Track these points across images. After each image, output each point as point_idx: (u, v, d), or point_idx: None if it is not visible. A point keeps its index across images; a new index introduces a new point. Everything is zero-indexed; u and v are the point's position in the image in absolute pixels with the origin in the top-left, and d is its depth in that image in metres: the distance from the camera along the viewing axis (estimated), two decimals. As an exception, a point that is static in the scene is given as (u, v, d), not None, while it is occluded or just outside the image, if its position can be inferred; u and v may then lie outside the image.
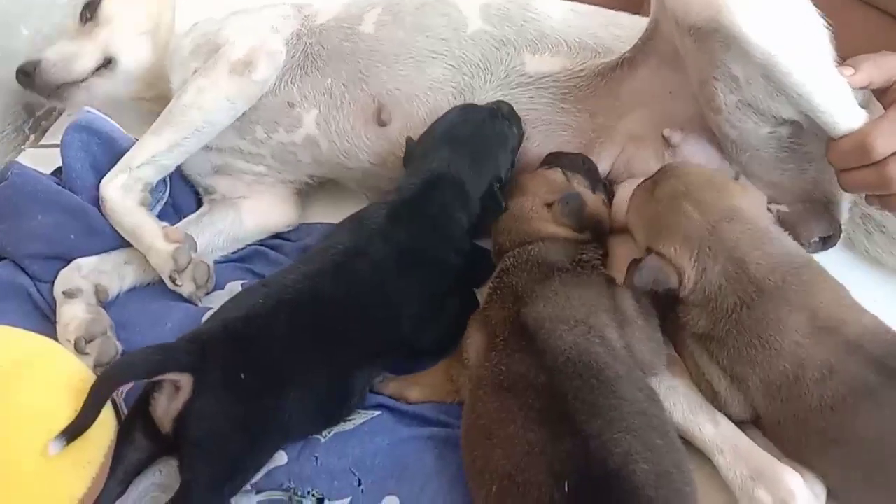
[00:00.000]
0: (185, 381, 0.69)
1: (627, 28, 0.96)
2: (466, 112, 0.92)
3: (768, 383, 0.69)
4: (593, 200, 0.88)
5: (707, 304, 0.74)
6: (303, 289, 0.78)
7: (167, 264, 0.92)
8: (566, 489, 0.60)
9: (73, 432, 0.65)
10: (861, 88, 0.77)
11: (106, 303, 0.95)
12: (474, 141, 0.89)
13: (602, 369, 0.69)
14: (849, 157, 0.76)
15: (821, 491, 0.68)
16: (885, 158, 0.73)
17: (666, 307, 0.78)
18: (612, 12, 1.00)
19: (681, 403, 0.75)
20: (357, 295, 0.79)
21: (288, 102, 1.00)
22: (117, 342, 0.88)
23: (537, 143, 0.98)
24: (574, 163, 0.92)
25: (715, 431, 0.72)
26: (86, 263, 0.95)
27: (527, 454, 0.63)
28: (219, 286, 0.97)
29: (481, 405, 0.70)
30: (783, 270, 0.71)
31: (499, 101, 0.94)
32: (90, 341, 0.86)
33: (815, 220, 0.81)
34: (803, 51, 0.77)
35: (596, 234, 0.86)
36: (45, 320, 0.92)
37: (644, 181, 0.83)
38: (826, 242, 0.85)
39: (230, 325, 0.75)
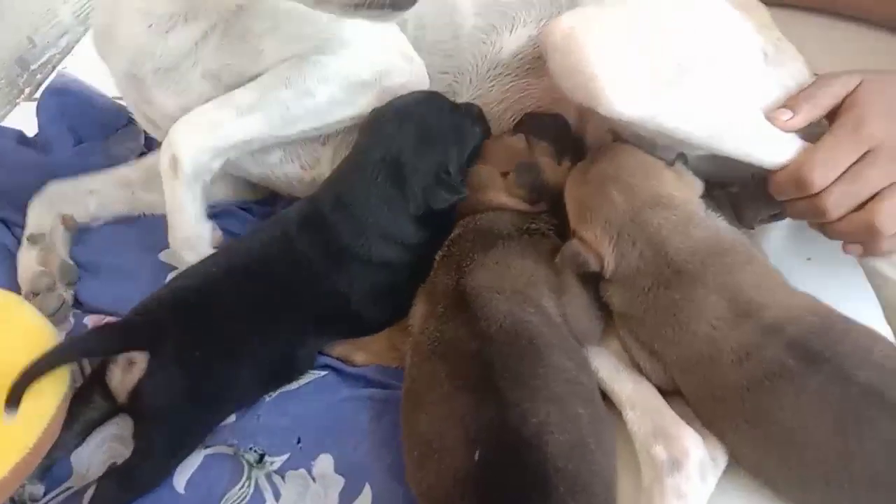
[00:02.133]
0: (140, 357, 0.71)
1: None
2: (428, 97, 0.89)
3: (685, 362, 0.70)
4: (553, 170, 0.85)
5: (625, 283, 0.74)
6: (254, 258, 0.80)
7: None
8: (476, 458, 0.61)
9: (11, 400, 0.67)
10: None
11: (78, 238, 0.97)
12: (426, 125, 0.85)
13: (534, 338, 0.70)
14: (787, 190, 0.75)
15: (721, 458, 0.68)
16: (822, 190, 0.72)
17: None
18: None
19: (606, 364, 0.76)
20: (307, 268, 0.80)
21: None
22: (65, 294, 0.91)
23: (512, 117, 0.97)
24: (543, 128, 0.89)
25: (632, 388, 0.73)
26: (55, 189, 0.96)
27: (447, 420, 0.65)
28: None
29: (414, 370, 0.72)
30: (704, 254, 0.71)
31: (468, 104, 0.92)
32: (36, 295, 0.88)
33: (763, 200, 0.80)
34: (712, 121, 0.74)
35: (555, 204, 0.84)
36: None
37: (584, 159, 0.82)
38: (776, 217, 0.84)
39: (184, 296, 0.77)
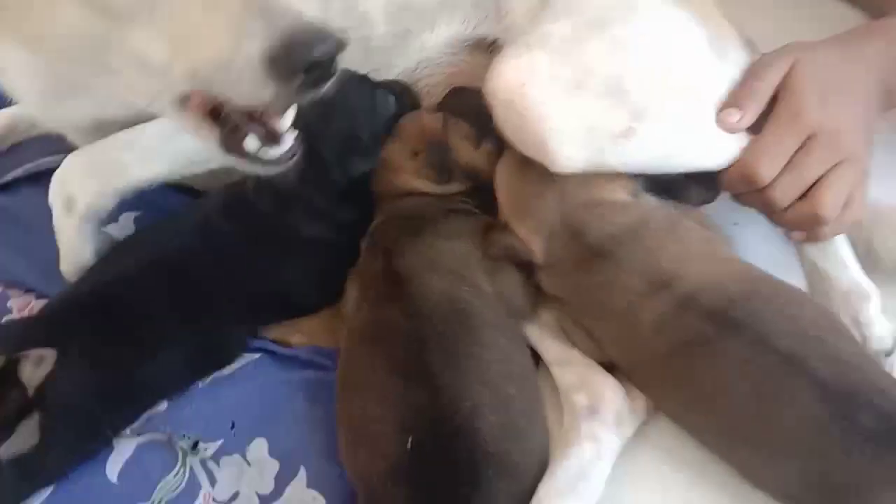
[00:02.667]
0: (48, 354, 0.70)
1: None
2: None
3: (612, 335, 0.71)
4: (468, 152, 0.84)
5: (552, 270, 0.75)
6: (174, 246, 0.78)
7: None
8: (409, 443, 0.61)
9: None
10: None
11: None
12: (329, 97, 0.84)
13: (469, 316, 0.70)
14: (737, 186, 0.76)
15: (641, 409, 0.71)
16: (770, 182, 0.73)
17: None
18: None
19: (536, 329, 0.77)
20: (232, 253, 0.79)
21: None
22: None
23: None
24: (465, 107, 0.87)
25: (559, 349, 0.75)
26: None
27: (380, 405, 0.65)
28: (113, 218, 0.92)
29: (348, 354, 0.72)
30: (621, 236, 0.72)
31: (392, 80, 0.91)
32: None
33: (695, 184, 0.80)
34: (664, 160, 0.75)
35: (477, 184, 0.84)
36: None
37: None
38: (709, 200, 0.84)
39: (96, 291, 0.76)
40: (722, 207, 0.88)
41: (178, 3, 0.59)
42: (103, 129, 0.83)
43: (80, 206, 0.81)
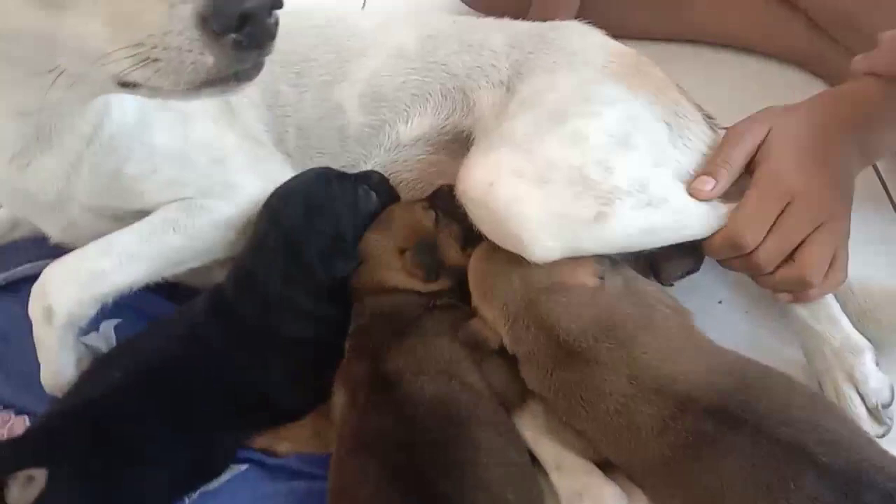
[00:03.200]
0: (39, 474, 0.68)
1: (475, 49, 0.94)
2: (314, 172, 0.89)
3: (606, 436, 0.70)
4: (456, 254, 0.85)
5: (529, 365, 0.75)
6: (159, 358, 0.77)
7: None
8: None
9: None
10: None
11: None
12: (313, 196, 0.85)
13: (462, 418, 0.69)
14: (723, 252, 0.78)
15: None
16: (756, 247, 0.75)
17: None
18: (463, 25, 0.98)
19: (530, 425, 0.77)
20: (217, 362, 0.78)
21: None
22: None
23: (423, 187, 0.97)
24: (454, 209, 0.86)
25: (557, 451, 0.75)
26: None
27: None
28: (93, 327, 0.90)
29: (340, 466, 0.70)
30: (595, 332, 0.72)
31: (371, 171, 0.92)
32: None
33: (678, 257, 0.82)
34: (639, 237, 0.77)
35: (460, 280, 0.83)
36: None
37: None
38: (691, 273, 0.85)
39: (84, 408, 0.74)
40: (705, 284, 0.89)
41: None
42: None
43: (60, 316, 0.80)
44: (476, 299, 0.79)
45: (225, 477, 0.77)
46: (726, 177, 0.78)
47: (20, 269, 0.98)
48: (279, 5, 0.60)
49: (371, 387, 0.73)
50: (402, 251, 0.84)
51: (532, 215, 0.74)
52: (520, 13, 1.03)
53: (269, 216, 0.84)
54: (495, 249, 0.78)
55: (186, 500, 0.76)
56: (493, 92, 0.91)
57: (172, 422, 0.75)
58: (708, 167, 0.80)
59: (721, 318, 0.89)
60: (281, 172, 0.91)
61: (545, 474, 0.75)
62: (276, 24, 0.61)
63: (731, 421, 0.64)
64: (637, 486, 0.71)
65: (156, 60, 0.59)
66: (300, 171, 0.93)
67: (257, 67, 0.63)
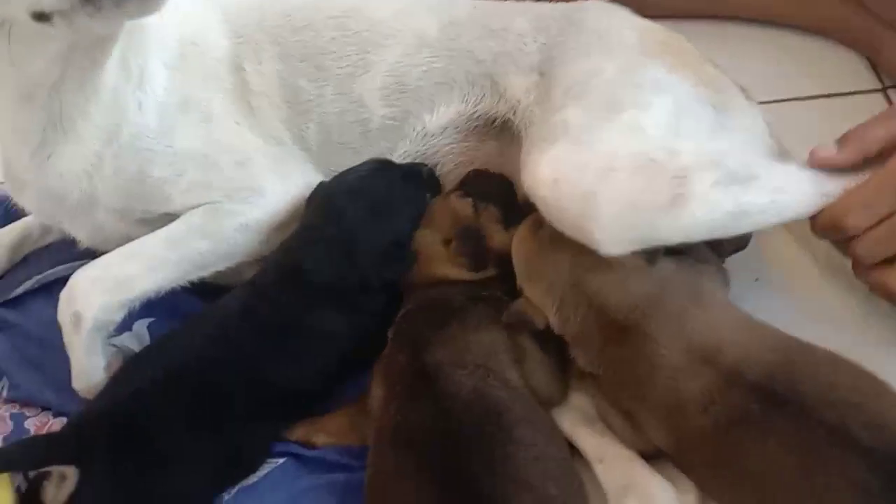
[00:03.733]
0: (70, 471, 0.68)
1: (500, 34, 0.92)
2: (381, 167, 0.88)
3: (654, 415, 0.69)
4: (501, 236, 0.83)
5: (579, 344, 0.74)
6: (190, 355, 0.77)
7: None
8: None
9: None
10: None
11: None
12: (378, 198, 0.84)
13: (502, 414, 0.68)
14: (822, 230, 0.74)
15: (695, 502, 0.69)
16: (857, 235, 0.71)
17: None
18: (484, 10, 0.95)
19: (569, 415, 0.75)
20: (244, 364, 0.78)
21: None
22: None
23: (456, 176, 0.95)
24: (490, 190, 0.88)
25: (597, 442, 0.73)
26: None
27: None
28: (126, 327, 0.92)
29: (380, 459, 0.69)
30: (644, 307, 0.70)
31: (419, 164, 0.91)
32: None
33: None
34: (721, 221, 0.71)
35: (505, 270, 0.82)
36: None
37: (535, 215, 0.80)
38: (739, 250, 0.83)
39: (117, 406, 0.74)
40: (744, 262, 0.87)
41: None
42: None
43: (87, 321, 0.81)
44: (521, 280, 0.78)
45: (262, 471, 0.77)
46: (850, 151, 0.73)
47: (52, 271, 0.99)
48: None
49: (410, 378, 0.72)
50: (447, 242, 0.83)
51: (601, 209, 0.71)
52: None
53: (329, 212, 0.84)
54: (539, 228, 0.77)
55: (225, 497, 0.75)
56: (525, 77, 0.89)
57: (205, 420, 0.74)
58: (840, 137, 0.74)
59: (758, 295, 0.87)
60: (302, 173, 0.91)
61: (586, 469, 0.73)
62: None
63: (775, 399, 0.62)
64: (680, 469, 0.69)
65: None
66: (322, 168, 0.93)
67: None
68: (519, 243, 0.79)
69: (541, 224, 0.77)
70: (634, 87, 0.79)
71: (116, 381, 0.79)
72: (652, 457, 0.72)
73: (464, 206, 0.85)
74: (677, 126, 0.76)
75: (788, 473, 0.60)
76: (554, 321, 0.75)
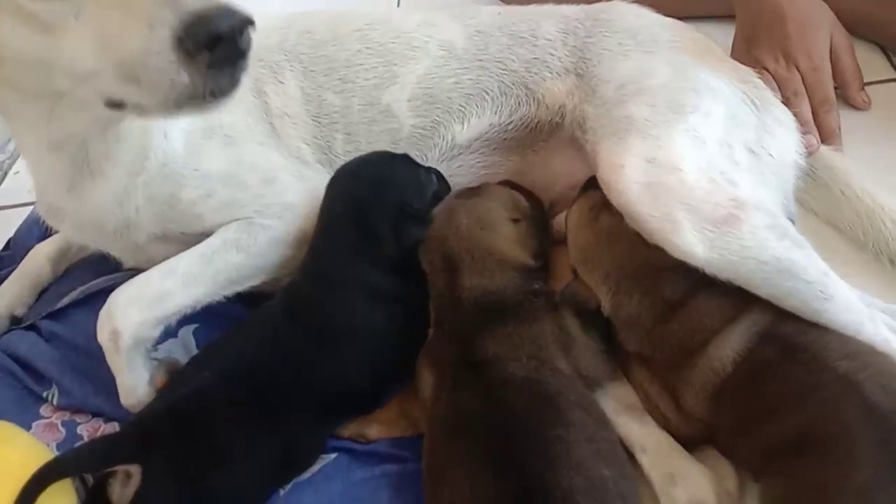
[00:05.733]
0: (134, 470, 0.70)
1: (528, 41, 0.95)
2: (376, 153, 0.92)
3: (701, 388, 0.71)
4: (549, 236, 0.87)
5: (630, 326, 0.76)
6: (245, 359, 0.79)
7: None
8: None
9: None
10: None
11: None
12: (379, 169, 0.88)
13: (553, 398, 0.70)
14: None
15: (734, 488, 0.71)
16: None
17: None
18: (508, 17, 0.98)
19: (611, 404, 0.77)
20: (300, 360, 0.80)
21: None
22: None
23: None
24: (528, 196, 0.90)
25: (640, 431, 0.75)
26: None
27: (470, 499, 0.64)
28: (172, 333, 0.94)
29: (434, 446, 0.71)
30: (695, 288, 0.73)
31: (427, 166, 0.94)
32: None
33: None
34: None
35: (545, 264, 0.85)
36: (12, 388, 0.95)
37: (594, 200, 0.82)
38: None
39: (177, 405, 0.76)
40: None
41: (98, 6, 0.63)
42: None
43: (125, 339, 0.83)
44: (577, 262, 0.80)
45: (316, 466, 0.79)
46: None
47: (95, 282, 1.01)
48: (250, 24, 0.63)
49: (462, 370, 0.73)
50: (514, 221, 0.84)
51: (669, 206, 0.74)
52: None
53: (336, 193, 0.87)
54: (597, 216, 0.80)
55: (280, 493, 0.77)
56: (562, 80, 0.92)
57: (260, 421, 0.77)
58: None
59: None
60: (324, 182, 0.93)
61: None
62: (249, 42, 0.64)
63: (794, 347, 0.67)
64: (715, 435, 0.73)
65: (137, 79, 0.63)
66: None
67: (234, 84, 0.66)
68: (577, 229, 0.82)
69: (598, 211, 0.80)
70: (693, 91, 0.83)
71: (174, 383, 0.82)
72: (693, 444, 0.75)
73: (517, 195, 0.87)
74: (731, 144, 0.81)
75: (792, 408, 0.64)
76: (606, 305, 0.77)
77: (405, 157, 0.91)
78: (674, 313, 0.73)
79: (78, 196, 0.86)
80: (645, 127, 0.80)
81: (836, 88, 1.06)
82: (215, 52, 0.61)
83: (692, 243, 0.72)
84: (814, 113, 1.01)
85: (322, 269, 0.84)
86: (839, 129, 1.02)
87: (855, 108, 1.08)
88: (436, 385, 0.75)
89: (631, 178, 0.76)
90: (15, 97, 0.76)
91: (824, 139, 0.99)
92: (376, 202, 0.85)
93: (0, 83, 0.74)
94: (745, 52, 1.06)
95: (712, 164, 0.78)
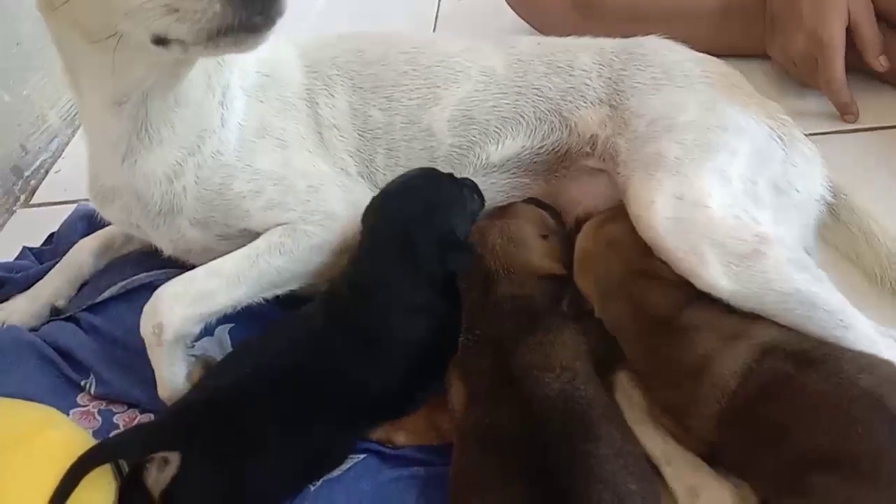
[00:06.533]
0: (173, 456, 0.73)
1: (565, 70, 0.99)
2: (425, 172, 0.95)
3: (706, 407, 0.73)
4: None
5: (618, 333, 0.81)
6: (285, 358, 0.82)
7: None
8: None
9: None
10: None
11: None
12: (428, 192, 0.91)
13: (585, 411, 0.72)
14: None
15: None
16: None
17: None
18: (547, 47, 1.02)
19: (632, 413, 0.80)
20: (336, 363, 0.83)
21: None
22: None
23: None
24: (553, 213, 0.95)
25: (663, 444, 0.78)
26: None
27: None
28: (209, 331, 0.96)
29: (465, 458, 0.73)
30: (681, 305, 0.77)
31: (462, 178, 0.97)
32: None
33: None
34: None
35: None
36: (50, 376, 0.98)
37: (601, 214, 0.88)
38: None
39: (215, 396, 0.79)
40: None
41: None
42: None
43: (168, 332, 0.87)
44: (576, 266, 0.86)
45: (346, 465, 0.81)
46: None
47: (136, 277, 1.05)
48: None
49: (495, 381, 0.76)
50: (543, 237, 0.89)
51: (696, 240, 0.78)
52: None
53: (385, 212, 0.90)
54: (600, 227, 0.85)
55: (311, 488, 0.80)
56: (595, 110, 0.96)
57: (295, 417, 0.79)
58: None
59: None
60: (366, 201, 0.96)
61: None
62: None
63: (810, 361, 0.69)
64: (721, 453, 0.74)
65: (176, 10, 0.69)
66: None
67: (267, 23, 0.71)
68: (582, 237, 0.87)
69: (601, 224, 0.85)
70: (721, 129, 0.87)
71: (213, 376, 0.85)
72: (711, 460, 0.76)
73: (542, 212, 0.92)
74: (755, 181, 0.85)
75: (812, 425, 0.65)
76: (596, 309, 0.82)
77: (451, 178, 0.94)
78: (660, 330, 0.76)
79: (130, 166, 0.91)
80: (674, 165, 0.84)
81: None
82: None
83: (717, 276, 0.76)
84: (824, 90, 1.13)
85: (364, 281, 0.87)
86: (853, 102, 1.16)
87: (873, 71, 1.16)
88: (467, 396, 0.77)
89: (661, 213, 0.80)
90: (81, 43, 0.82)
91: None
92: (425, 229, 0.88)
93: (68, 24, 0.81)
94: (771, 38, 1.19)
95: (737, 202, 0.82)
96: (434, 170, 0.96)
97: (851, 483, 0.61)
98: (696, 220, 0.79)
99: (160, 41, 0.74)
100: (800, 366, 0.69)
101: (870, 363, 0.69)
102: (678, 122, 0.88)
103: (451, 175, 0.95)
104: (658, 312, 0.77)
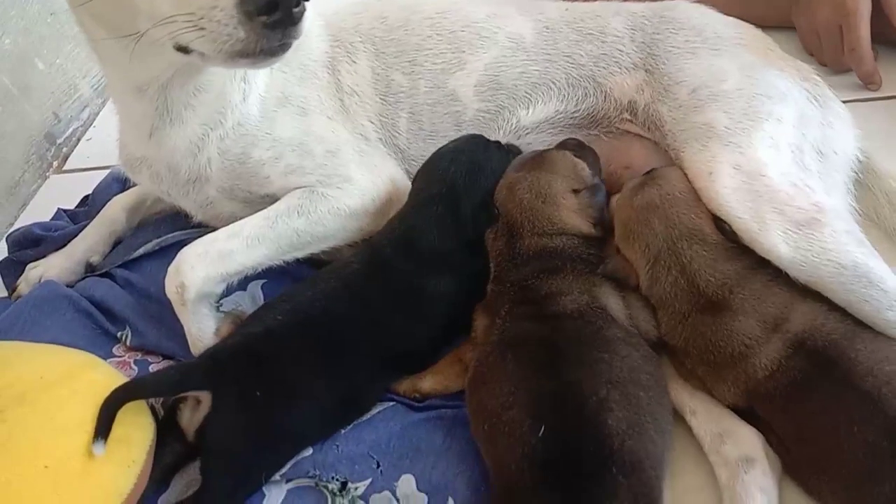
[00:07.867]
0: (205, 396, 0.76)
1: (597, 37, 0.99)
2: (473, 138, 0.97)
3: (726, 381, 0.75)
4: (612, 203, 0.90)
5: (664, 308, 0.80)
6: (318, 307, 0.84)
7: None
8: (541, 431, 0.66)
9: (99, 434, 0.72)
10: None
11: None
12: (476, 156, 0.93)
13: (601, 328, 0.75)
14: None
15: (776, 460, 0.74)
16: None
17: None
18: (577, 13, 1.03)
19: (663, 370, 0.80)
20: (371, 315, 0.85)
21: None
22: None
23: None
24: (593, 161, 0.93)
25: (690, 395, 0.79)
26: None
27: (511, 394, 0.70)
28: (241, 287, 0.99)
29: (482, 356, 0.77)
30: (731, 284, 0.77)
31: (508, 143, 0.99)
32: None
33: None
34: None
35: (605, 233, 0.88)
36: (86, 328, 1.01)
37: (636, 180, 0.88)
38: None
39: (248, 342, 0.82)
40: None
41: None
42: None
43: (190, 292, 0.90)
44: (619, 238, 0.85)
45: (375, 410, 0.84)
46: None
47: (171, 235, 1.08)
48: None
49: (516, 302, 0.79)
50: (575, 192, 0.87)
51: (758, 207, 0.79)
52: None
53: (434, 174, 0.93)
54: (637, 193, 0.85)
55: (341, 431, 0.82)
56: (631, 75, 0.97)
57: (326, 364, 0.82)
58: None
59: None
60: (386, 167, 0.99)
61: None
62: (302, 13, 0.73)
63: (826, 363, 0.70)
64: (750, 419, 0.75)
65: (202, 29, 0.72)
66: (408, 158, 1.02)
67: (283, 47, 0.75)
68: (622, 205, 0.86)
69: (639, 189, 0.85)
70: (765, 97, 0.88)
71: (246, 324, 0.87)
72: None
73: (581, 162, 0.91)
74: (802, 149, 0.86)
75: (820, 429, 0.68)
76: (644, 280, 0.81)
77: (497, 145, 0.96)
78: (710, 308, 0.77)
79: (157, 141, 0.94)
80: (725, 135, 0.85)
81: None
82: (271, 16, 0.71)
83: (777, 243, 0.77)
84: (847, 58, 1.15)
85: (411, 238, 0.90)
86: (876, 71, 1.18)
87: None
88: (488, 323, 0.80)
89: (721, 183, 0.82)
90: (103, 34, 0.85)
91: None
92: (469, 192, 0.91)
93: (93, 17, 0.85)
94: (796, 8, 1.23)
95: (791, 169, 0.83)
96: (481, 136, 0.98)
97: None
98: (756, 189, 0.81)
99: (182, 49, 0.77)
100: (816, 367, 0.70)
101: (882, 358, 0.70)
102: (721, 90, 0.89)
103: (498, 142, 0.97)
104: (708, 290, 0.77)
